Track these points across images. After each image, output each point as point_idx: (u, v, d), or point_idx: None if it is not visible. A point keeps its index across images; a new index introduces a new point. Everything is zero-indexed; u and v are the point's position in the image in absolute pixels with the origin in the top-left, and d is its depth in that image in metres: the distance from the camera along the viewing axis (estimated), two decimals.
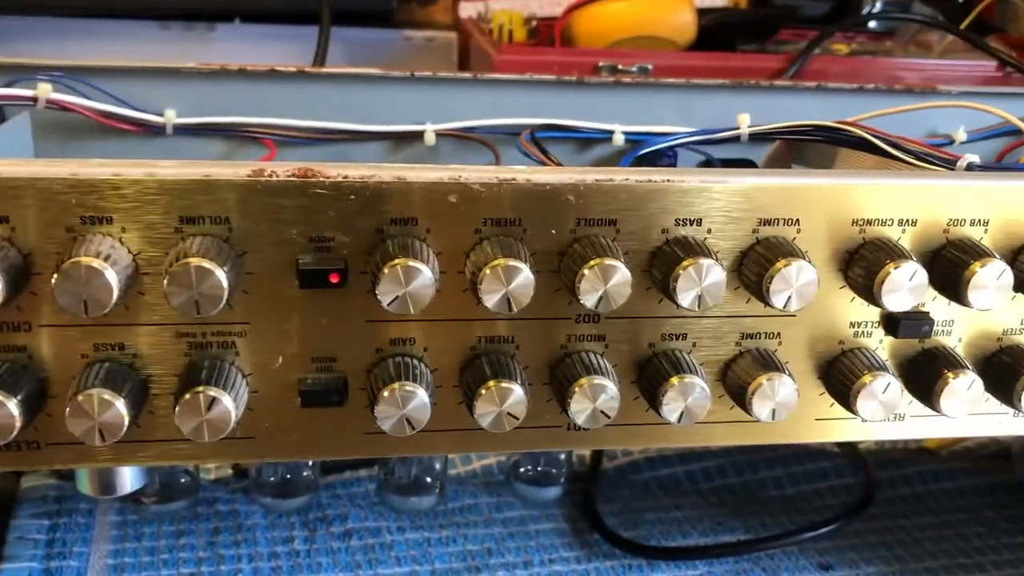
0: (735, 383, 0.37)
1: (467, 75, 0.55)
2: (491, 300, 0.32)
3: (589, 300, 0.33)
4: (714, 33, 0.78)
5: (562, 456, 0.54)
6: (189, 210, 0.32)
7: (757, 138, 0.49)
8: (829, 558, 0.55)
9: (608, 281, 0.33)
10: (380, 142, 0.54)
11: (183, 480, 0.50)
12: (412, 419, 0.33)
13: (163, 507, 0.49)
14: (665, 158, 0.51)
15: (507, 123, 0.52)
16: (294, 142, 0.52)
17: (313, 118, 0.52)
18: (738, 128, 0.48)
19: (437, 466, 0.52)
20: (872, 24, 0.88)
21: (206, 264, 0.30)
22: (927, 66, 0.76)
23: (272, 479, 0.50)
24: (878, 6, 0.87)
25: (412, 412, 0.33)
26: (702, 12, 0.78)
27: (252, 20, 0.81)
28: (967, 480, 0.62)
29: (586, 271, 0.33)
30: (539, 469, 0.54)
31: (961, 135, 0.57)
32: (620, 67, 0.68)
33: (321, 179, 0.32)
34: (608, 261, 0.33)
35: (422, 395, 0.33)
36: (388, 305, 0.32)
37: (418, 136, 0.53)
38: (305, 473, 0.51)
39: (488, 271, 0.32)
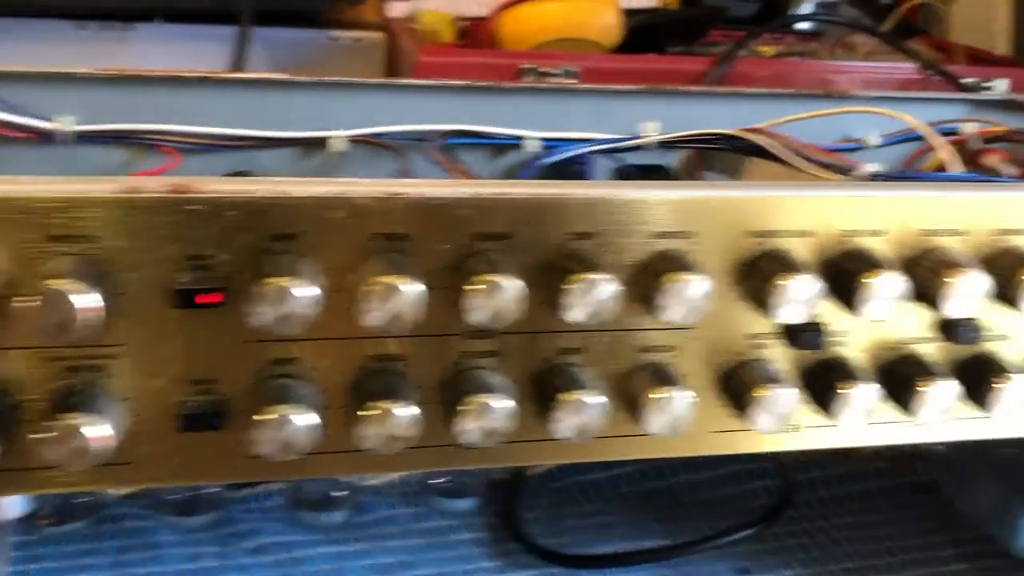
0: (631, 397, 0.36)
1: (379, 80, 0.54)
2: (376, 319, 0.32)
3: (480, 316, 0.33)
4: (643, 34, 0.78)
5: None
6: (57, 229, 0.30)
7: (667, 146, 0.48)
8: (747, 562, 0.55)
9: (500, 297, 0.32)
10: (290, 148, 0.53)
11: (82, 499, 0.48)
12: (293, 443, 0.32)
13: (59, 529, 0.48)
14: (576, 165, 0.51)
15: (417, 129, 0.51)
16: (200, 150, 0.51)
17: (227, 124, 0.51)
18: (646, 136, 0.48)
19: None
20: (800, 25, 0.88)
21: (76, 286, 0.29)
22: (851, 68, 0.76)
23: (176, 496, 0.49)
24: (805, 7, 0.87)
25: (293, 435, 0.32)
26: (630, 13, 0.77)
27: (174, 20, 0.78)
28: (882, 481, 0.63)
29: (479, 286, 0.32)
30: (453, 480, 0.53)
31: (874, 139, 0.58)
32: (544, 69, 0.67)
33: (197, 195, 0.31)
34: (500, 277, 0.32)
35: (305, 418, 0.32)
36: (269, 325, 0.31)
37: (328, 142, 0.52)
38: (212, 489, 0.50)
39: (373, 288, 0.31)
